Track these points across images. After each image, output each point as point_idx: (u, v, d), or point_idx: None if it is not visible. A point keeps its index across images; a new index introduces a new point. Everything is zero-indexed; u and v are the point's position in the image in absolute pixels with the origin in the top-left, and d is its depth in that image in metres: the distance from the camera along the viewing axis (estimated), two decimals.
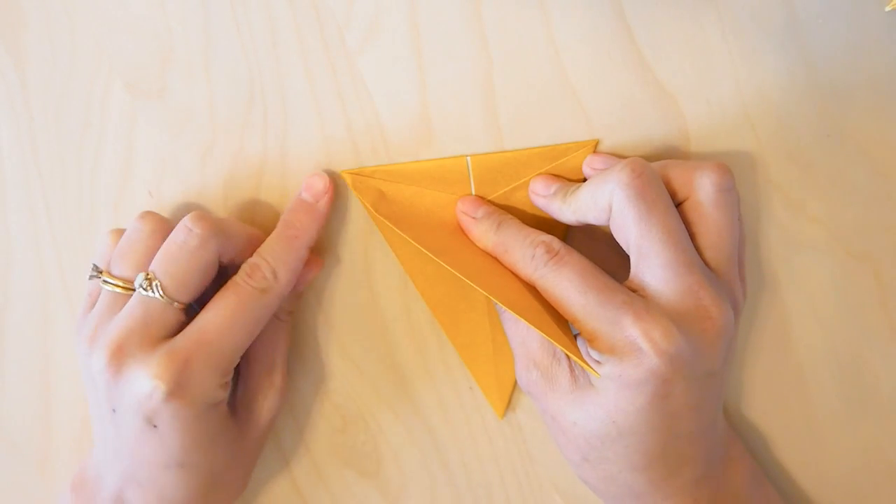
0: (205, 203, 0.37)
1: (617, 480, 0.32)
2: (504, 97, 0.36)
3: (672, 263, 0.31)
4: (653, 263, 0.31)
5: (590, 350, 0.31)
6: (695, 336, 0.30)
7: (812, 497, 0.38)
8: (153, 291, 0.31)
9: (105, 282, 0.33)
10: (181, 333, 0.32)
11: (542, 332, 0.30)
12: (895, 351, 0.37)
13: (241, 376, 0.36)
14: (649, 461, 0.31)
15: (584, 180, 0.35)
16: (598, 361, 0.30)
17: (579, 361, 0.30)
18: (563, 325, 0.32)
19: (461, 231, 0.36)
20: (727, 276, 0.32)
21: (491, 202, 0.36)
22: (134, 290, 0.32)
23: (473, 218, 0.35)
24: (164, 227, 0.34)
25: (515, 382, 0.38)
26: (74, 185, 0.37)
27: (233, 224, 0.34)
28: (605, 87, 0.35)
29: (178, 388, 0.30)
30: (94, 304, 0.34)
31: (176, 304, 0.32)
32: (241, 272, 0.33)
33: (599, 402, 0.31)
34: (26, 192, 0.38)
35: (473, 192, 0.36)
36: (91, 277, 0.34)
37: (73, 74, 0.37)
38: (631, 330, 0.30)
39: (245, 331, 0.32)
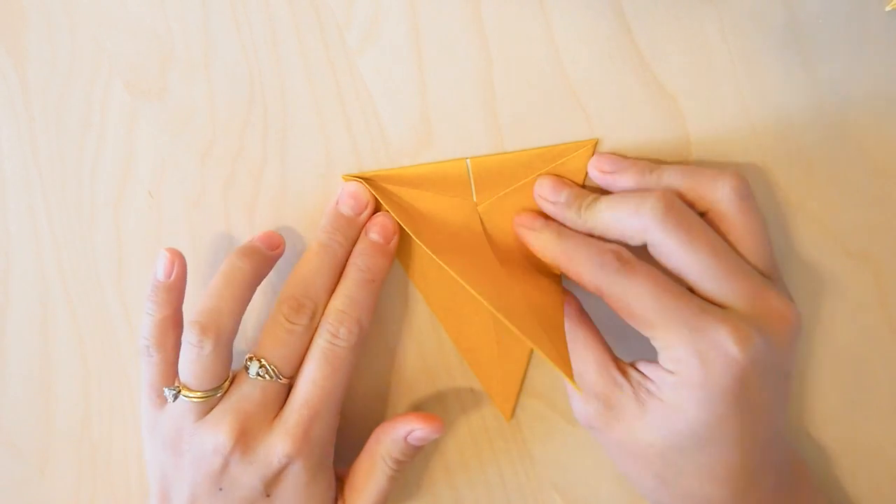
0: (205, 203, 0.37)
1: (696, 497, 0.32)
2: (504, 97, 0.36)
3: (730, 275, 0.31)
4: (712, 281, 0.31)
5: (662, 358, 0.31)
6: (772, 337, 0.30)
7: None
8: (270, 376, 0.33)
9: (187, 397, 0.33)
10: (289, 408, 0.33)
11: (530, 339, 0.30)
12: (895, 351, 0.37)
13: None
14: (731, 472, 0.31)
15: (586, 181, 0.35)
16: (671, 371, 0.30)
17: (570, 381, 0.30)
18: (560, 344, 0.32)
19: (462, 234, 0.36)
20: (774, 276, 0.33)
21: (546, 216, 0.35)
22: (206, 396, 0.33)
23: (532, 230, 0.35)
24: (228, 343, 0.34)
25: (521, 385, 0.38)
26: (74, 185, 0.37)
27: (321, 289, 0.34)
28: (605, 87, 0.35)
29: (298, 455, 0.33)
30: (159, 396, 0.34)
31: (286, 381, 0.34)
32: (324, 332, 0.33)
33: (678, 417, 0.30)
34: (26, 192, 0.38)
35: (474, 195, 0.36)
36: (175, 399, 0.34)
37: (73, 74, 0.37)
38: (714, 335, 0.29)
39: (344, 386, 0.34)
